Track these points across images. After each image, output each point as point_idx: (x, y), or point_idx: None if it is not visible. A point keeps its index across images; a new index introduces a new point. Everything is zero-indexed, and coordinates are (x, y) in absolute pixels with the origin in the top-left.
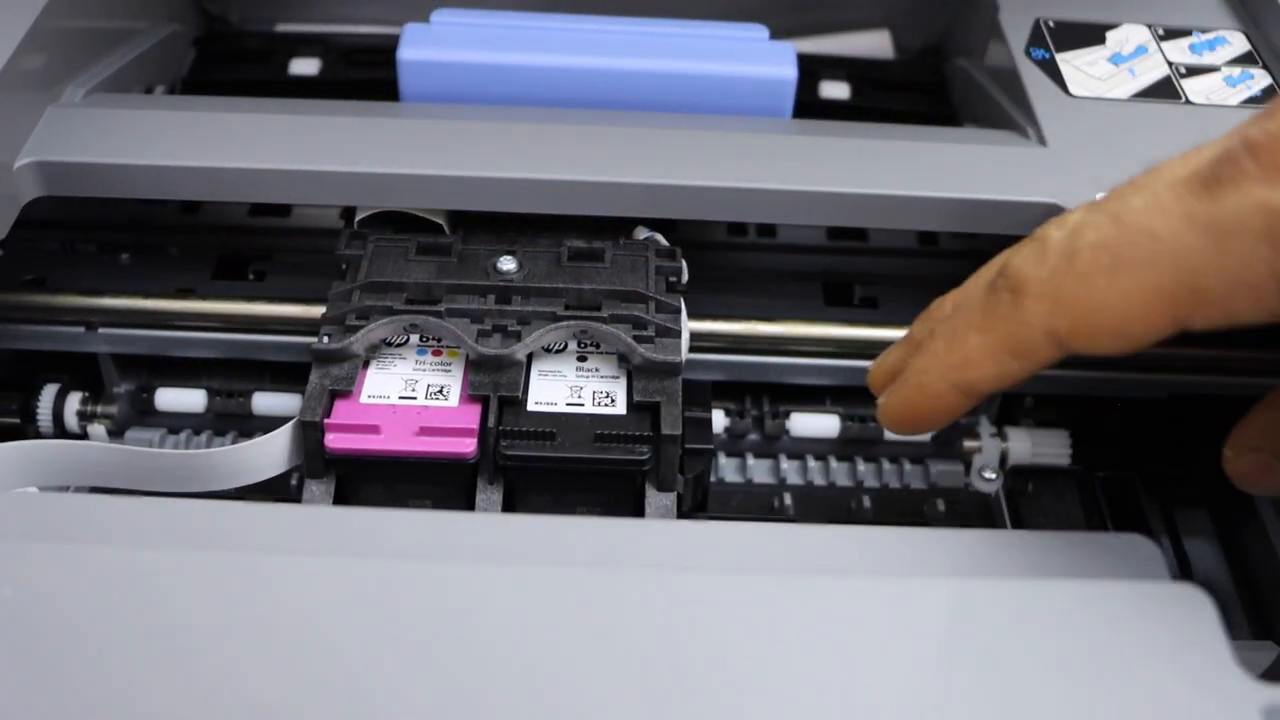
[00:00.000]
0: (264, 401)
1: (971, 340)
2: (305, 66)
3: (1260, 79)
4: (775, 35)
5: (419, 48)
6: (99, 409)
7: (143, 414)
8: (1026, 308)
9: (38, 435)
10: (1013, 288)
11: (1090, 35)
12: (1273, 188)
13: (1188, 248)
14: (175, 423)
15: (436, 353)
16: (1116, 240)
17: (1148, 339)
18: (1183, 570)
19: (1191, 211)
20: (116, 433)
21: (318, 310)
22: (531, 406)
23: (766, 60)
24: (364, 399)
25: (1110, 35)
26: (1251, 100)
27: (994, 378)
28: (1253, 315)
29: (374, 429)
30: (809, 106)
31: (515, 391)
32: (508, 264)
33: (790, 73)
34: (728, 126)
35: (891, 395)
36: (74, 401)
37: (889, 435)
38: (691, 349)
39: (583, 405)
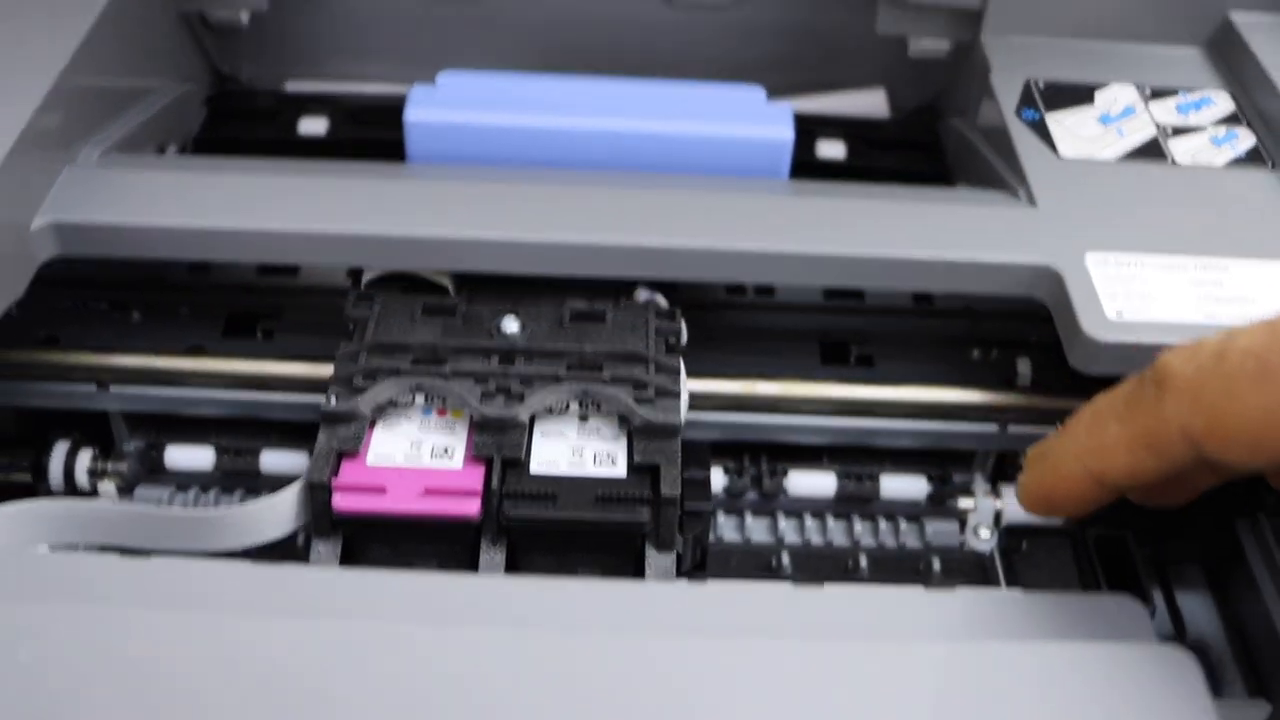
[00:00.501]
0: (271, 459)
1: (1110, 428)
2: (314, 126)
3: (1245, 139)
4: (774, 92)
5: (425, 109)
6: (109, 466)
7: (152, 471)
8: (1167, 402)
9: (49, 492)
10: (1158, 380)
11: (1079, 95)
12: None
13: None
14: (184, 480)
15: (441, 412)
16: (1267, 347)
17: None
18: (1177, 628)
19: None
20: (126, 490)
21: (325, 369)
22: (534, 468)
23: (764, 121)
24: (370, 459)
25: (1099, 95)
26: (1236, 161)
27: (1128, 470)
28: None
29: (380, 490)
30: (806, 165)
31: (518, 453)
32: (511, 325)
33: (787, 134)
34: (726, 188)
35: (1029, 472)
36: (84, 459)
37: (885, 493)
38: (690, 408)
39: (584, 466)
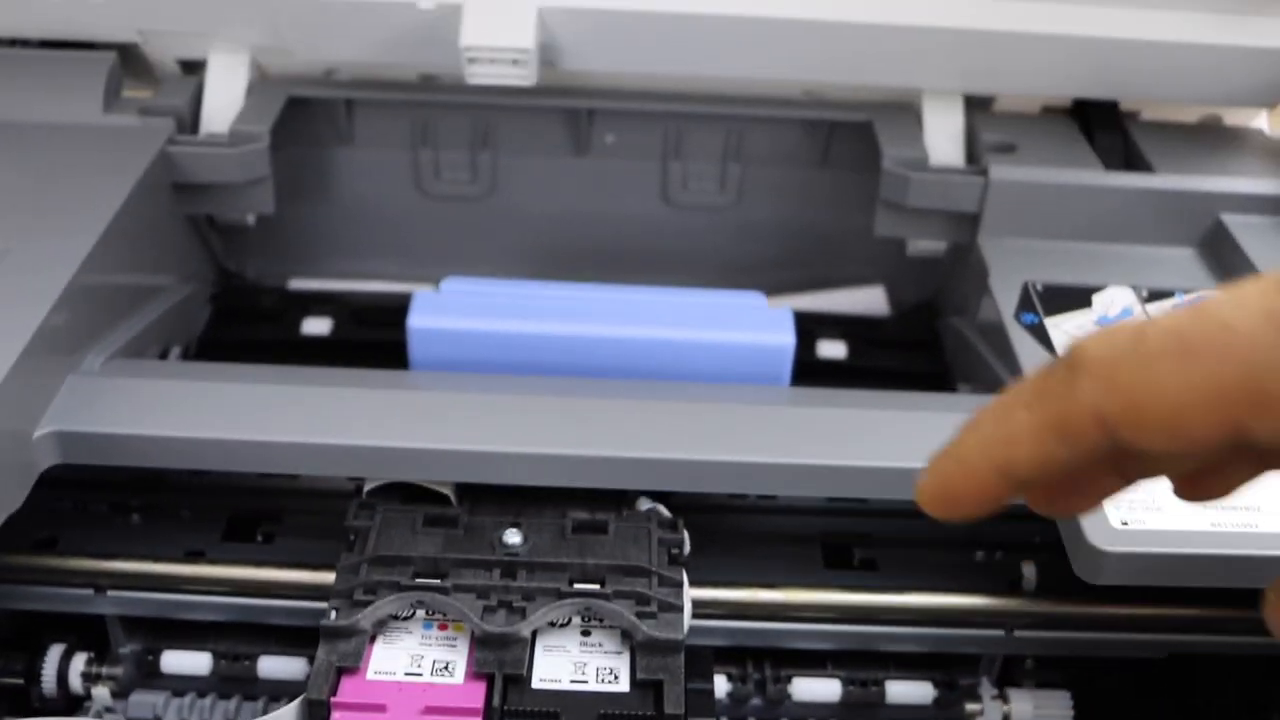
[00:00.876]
0: (270, 665)
1: (1018, 416)
2: (317, 326)
3: None
4: (774, 288)
5: (428, 315)
6: (104, 670)
7: (148, 676)
8: (1080, 385)
9: (41, 697)
10: (1071, 364)
11: (1077, 298)
12: None
13: (1261, 344)
14: (180, 685)
15: (443, 626)
16: (1189, 328)
17: (1200, 442)
18: None
19: (1273, 309)
20: (121, 695)
21: (325, 576)
22: (536, 684)
23: (765, 327)
24: (370, 675)
25: (1096, 298)
26: None
27: (1036, 459)
28: None
29: (380, 708)
30: (808, 365)
31: (520, 669)
32: (513, 537)
33: (788, 340)
34: (727, 398)
35: (928, 469)
36: (79, 663)
37: (891, 698)
38: (693, 615)
39: (586, 682)
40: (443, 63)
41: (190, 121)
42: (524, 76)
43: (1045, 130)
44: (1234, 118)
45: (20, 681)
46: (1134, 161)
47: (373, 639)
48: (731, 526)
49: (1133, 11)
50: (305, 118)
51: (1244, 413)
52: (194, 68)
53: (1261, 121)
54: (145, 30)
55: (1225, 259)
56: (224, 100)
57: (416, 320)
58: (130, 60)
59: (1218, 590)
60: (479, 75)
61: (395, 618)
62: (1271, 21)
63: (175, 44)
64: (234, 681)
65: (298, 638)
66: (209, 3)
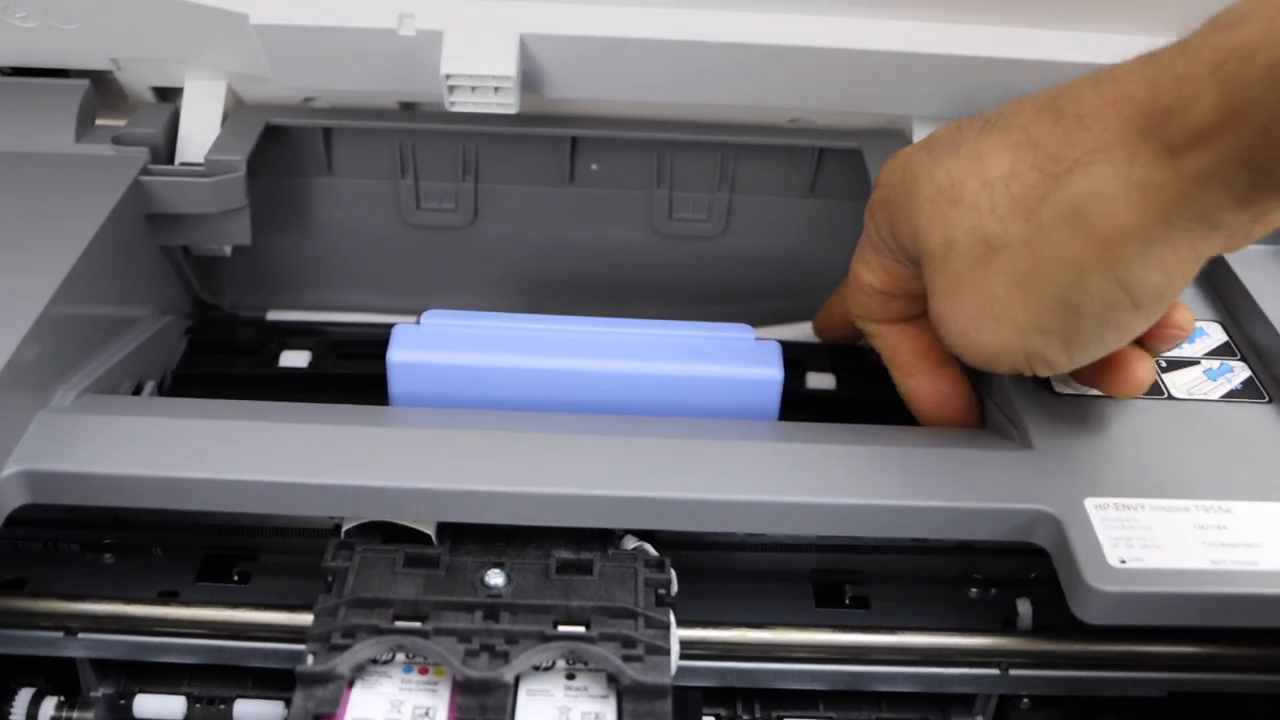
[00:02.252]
0: (246, 709)
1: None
2: (296, 359)
3: (1240, 371)
4: (762, 317)
5: (408, 350)
6: (75, 715)
7: None
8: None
9: None
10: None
11: None
12: None
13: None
14: None
15: (423, 670)
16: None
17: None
18: None
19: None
20: None
21: (303, 617)
22: None
23: (753, 362)
24: None
25: None
26: (1232, 393)
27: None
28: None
29: None
30: (796, 397)
31: (503, 715)
32: (496, 578)
33: (776, 373)
34: (713, 435)
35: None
36: (49, 707)
37: None
38: (682, 655)
39: None
40: (424, 90)
41: (165, 150)
42: (506, 105)
43: None
44: None
45: None
46: None
47: (351, 684)
48: (720, 564)
49: (1123, 37)
50: (283, 146)
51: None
52: (169, 95)
53: None
54: (119, 58)
55: (1223, 291)
56: (200, 129)
57: (396, 355)
58: (104, 88)
59: (1219, 628)
60: (460, 103)
61: (374, 662)
62: None
63: (150, 72)
64: None
65: (275, 680)
66: (184, 30)
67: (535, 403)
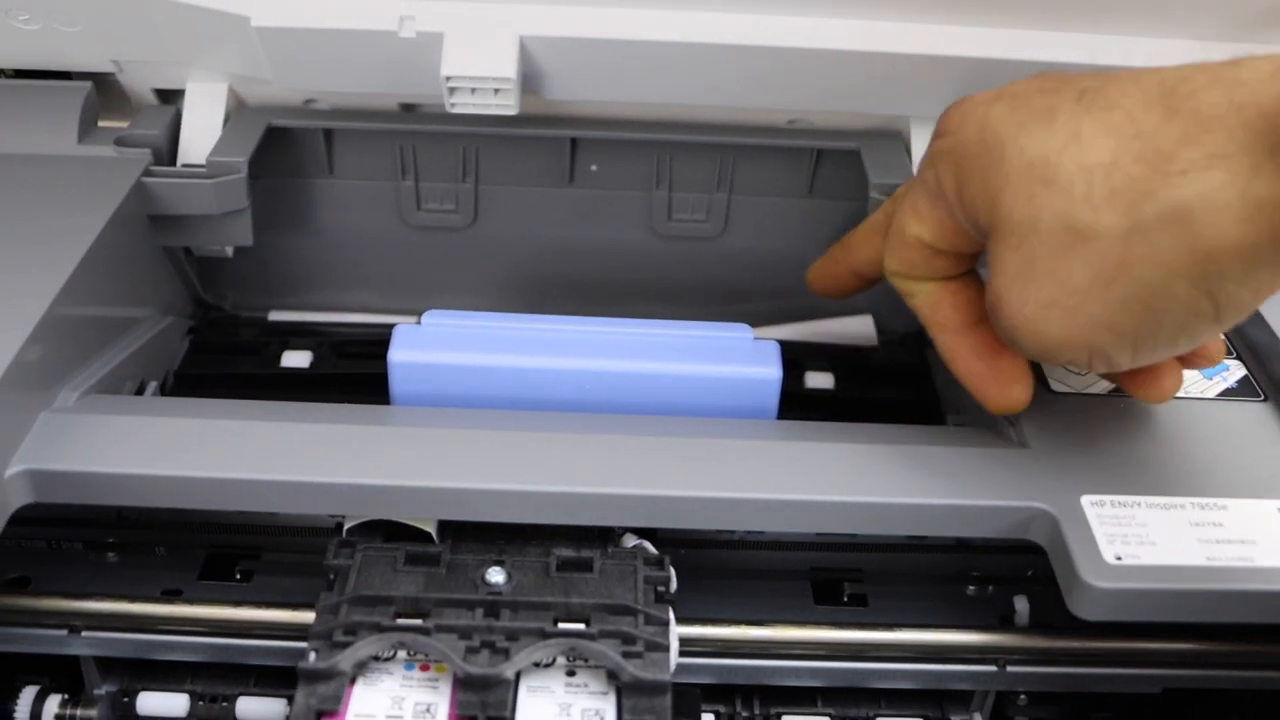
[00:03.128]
0: (248, 707)
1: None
2: (297, 359)
3: (1236, 370)
4: (763, 319)
5: (409, 350)
6: (79, 712)
7: (124, 718)
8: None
9: None
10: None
11: None
12: None
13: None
14: None
15: (424, 667)
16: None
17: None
18: None
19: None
20: None
21: (304, 615)
22: None
23: (751, 361)
24: (350, 718)
25: None
26: (1227, 392)
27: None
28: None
29: None
30: (795, 396)
31: (503, 712)
32: (496, 575)
33: (775, 373)
34: (714, 433)
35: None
36: (53, 705)
37: None
38: (681, 653)
39: None
40: (424, 92)
41: (167, 152)
42: (506, 106)
43: None
44: None
45: None
46: None
47: (353, 681)
48: (719, 561)
49: (1121, 38)
50: (285, 147)
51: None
52: (171, 97)
53: None
54: (121, 60)
55: None
56: (201, 130)
57: (397, 355)
58: (106, 90)
59: (1214, 624)
60: (461, 105)
61: (376, 659)
62: (1263, 48)
63: (151, 73)
64: None
65: (277, 678)
66: (186, 32)
67: (535, 402)
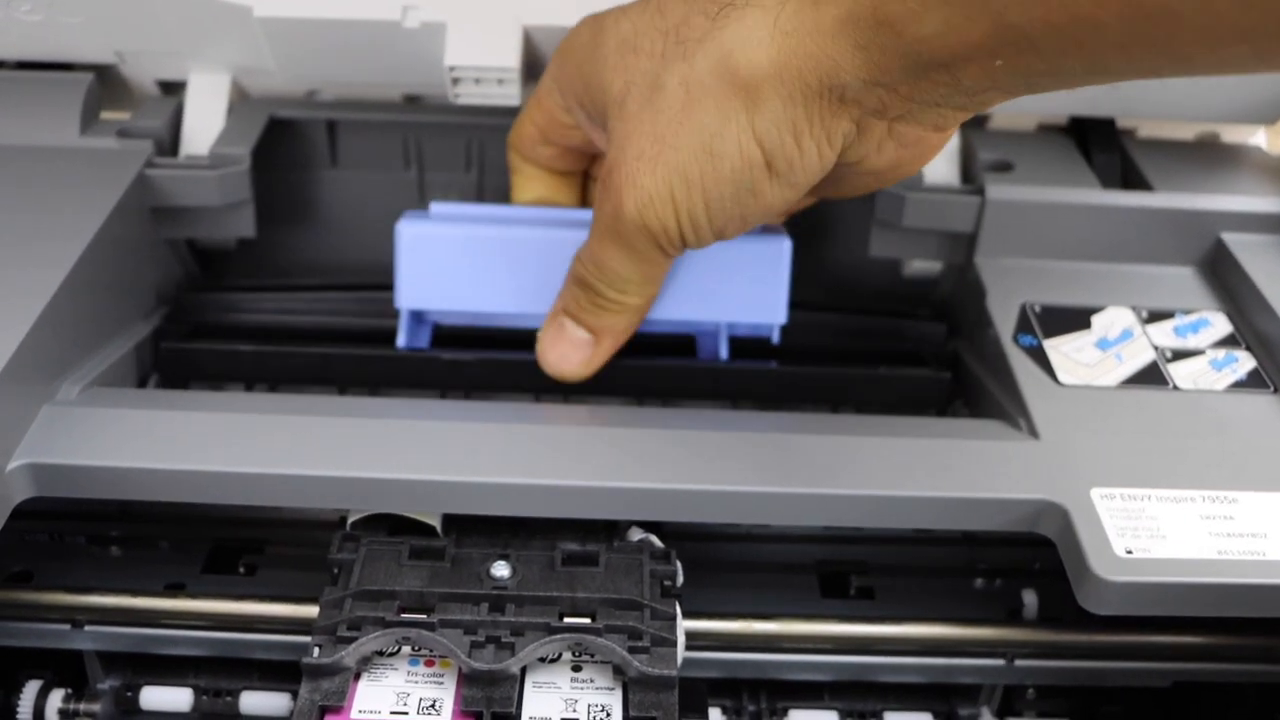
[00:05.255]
0: (252, 701)
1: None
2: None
3: (1245, 361)
4: None
5: (417, 224)
6: (82, 706)
7: (127, 712)
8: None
9: None
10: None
11: (1076, 320)
12: None
13: None
14: None
15: (429, 663)
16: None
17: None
18: None
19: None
20: None
21: (308, 609)
22: None
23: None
24: (355, 714)
25: (1095, 319)
26: (1238, 384)
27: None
28: None
29: None
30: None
31: (509, 708)
32: (501, 570)
33: (785, 241)
34: (719, 426)
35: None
36: (56, 699)
37: None
38: (687, 647)
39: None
40: (427, 83)
41: (169, 143)
42: (510, 96)
43: (1042, 148)
44: (1231, 135)
45: None
46: (1132, 180)
47: (357, 676)
48: (725, 555)
49: None
50: (288, 139)
51: None
52: (173, 88)
53: (1260, 139)
54: (123, 51)
55: (1227, 280)
56: (204, 122)
57: (406, 226)
58: (108, 81)
59: (1224, 618)
60: (465, 95)
61: (380, 654)
62: None
63: (154, 65)
64: (215, 718)
65: (281, 672)
66: (188, 24)
67: (541, 270)
